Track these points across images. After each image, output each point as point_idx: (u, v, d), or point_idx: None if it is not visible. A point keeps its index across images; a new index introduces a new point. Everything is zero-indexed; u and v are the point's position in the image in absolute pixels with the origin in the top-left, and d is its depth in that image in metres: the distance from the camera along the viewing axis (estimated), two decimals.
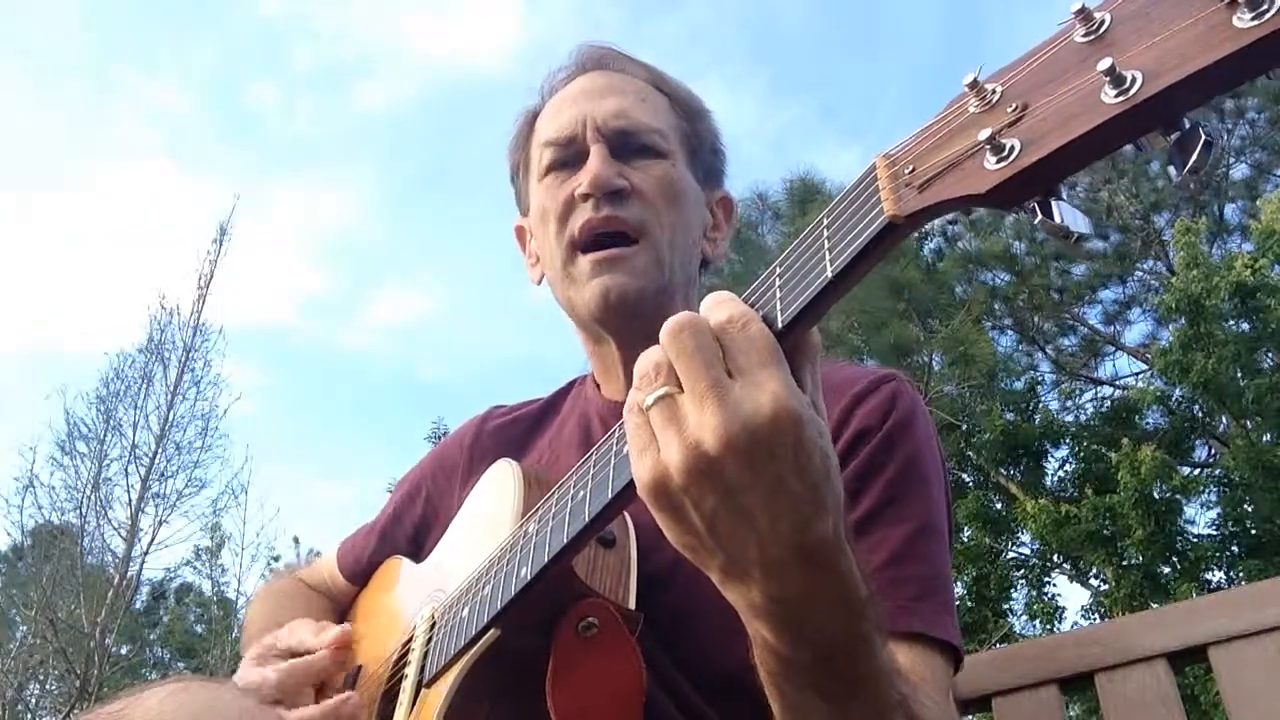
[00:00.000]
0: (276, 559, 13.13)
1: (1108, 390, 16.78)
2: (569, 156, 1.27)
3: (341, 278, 37.46)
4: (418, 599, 1.24)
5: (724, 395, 0.66)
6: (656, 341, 0.72)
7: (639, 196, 1.23)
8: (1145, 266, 17.28)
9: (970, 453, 14.92)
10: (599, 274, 1.22)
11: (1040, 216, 0.58)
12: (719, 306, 0.71)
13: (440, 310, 38.49)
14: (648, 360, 0.71)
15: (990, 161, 0.58)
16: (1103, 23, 0.55)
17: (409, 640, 1.17)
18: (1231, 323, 13.11)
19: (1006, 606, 14.17)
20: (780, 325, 0.70)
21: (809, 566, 0.69)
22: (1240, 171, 17.50)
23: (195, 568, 15.32)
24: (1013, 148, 0.57)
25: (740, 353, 0.67)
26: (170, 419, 12.31)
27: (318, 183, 35.16)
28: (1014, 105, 0.58)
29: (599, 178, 1.21)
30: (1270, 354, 13.30)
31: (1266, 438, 13.04)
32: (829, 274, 0.68)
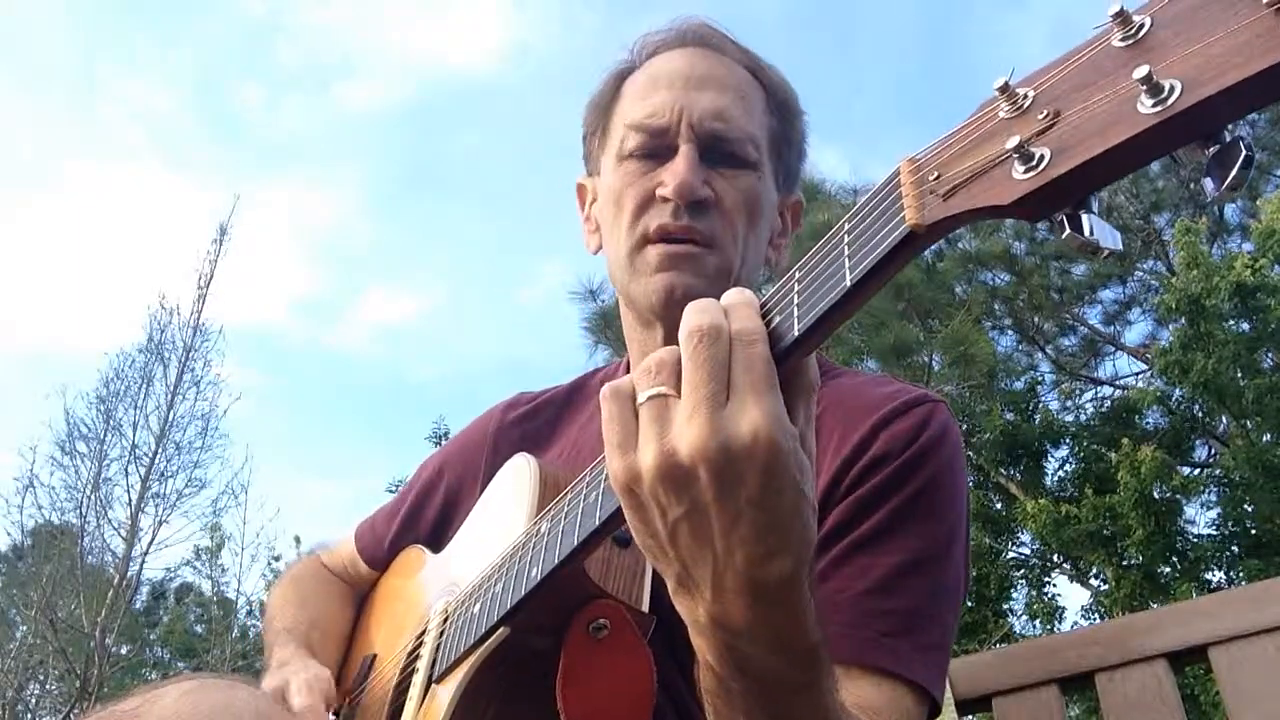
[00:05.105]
0: (277, 559, 13.13)
1: (1108, 390, 16.78)
2: (656, 148, 1.20)
3: (332, 278, 37.33)
4: (433, 591, 1.24)
5: (714, 411, 0.65)
6: None
7: (719, 208, 1.19)
8: (1145, 266, 17.26)
9: (970, 453, 14.91)
10: (666, 269, 1.18)
11: (1069, 231, 0.55)
12: (737, 312, 0.69)
13: (434, 310, 38.48)
14: (654, 356, 0.70)
15: (1018, 171, 0.56)
16: (1142, 26, 0.52)
17: (422, 633, 1.17)
18: (1231, 323, 13.08)
19: (1006, 606, 14.17)
20: (797, 333, 0.67)
21: (757, 600, 0.69)
22: None
23: (195, 568, 15.28)
24: (1042, 157, 0.55)
25: (740, 372, 0.66)
26: (170, 419, 12.29)
27: (306, 183, 35.01)
28: (1045, 112, 0.56)
29: (685, 186, 1.15)
30: (1270, 354, 13.29)
31: (1266, 438, 13.03)
32: (848, 283, 0.65)
